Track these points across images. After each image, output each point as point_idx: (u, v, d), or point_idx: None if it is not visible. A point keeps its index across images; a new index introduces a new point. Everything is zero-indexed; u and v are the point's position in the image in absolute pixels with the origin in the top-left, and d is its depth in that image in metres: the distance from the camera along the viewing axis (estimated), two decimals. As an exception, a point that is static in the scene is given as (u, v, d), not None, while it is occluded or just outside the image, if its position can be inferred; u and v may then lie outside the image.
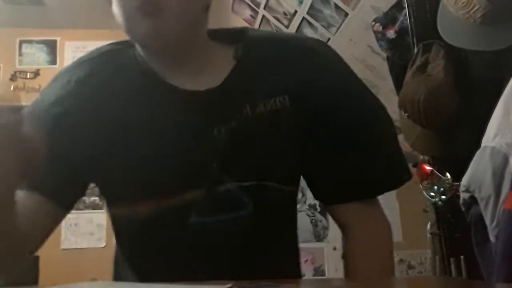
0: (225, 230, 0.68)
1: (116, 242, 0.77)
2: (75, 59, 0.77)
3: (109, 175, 0.70)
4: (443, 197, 1.23)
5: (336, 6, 2.65)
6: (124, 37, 0.72)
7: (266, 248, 0.71)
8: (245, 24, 3.66)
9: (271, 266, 0.71)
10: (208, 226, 0.67)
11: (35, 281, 3.28)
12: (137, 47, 0.72)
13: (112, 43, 0.80)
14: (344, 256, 0.78)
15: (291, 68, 0.71)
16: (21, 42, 3.89)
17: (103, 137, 0.69)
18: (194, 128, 0.68)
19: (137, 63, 0.72)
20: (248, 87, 0.70)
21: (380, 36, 1.98)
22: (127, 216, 0.70)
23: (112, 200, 0.72)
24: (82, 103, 0.70)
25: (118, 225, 0.73)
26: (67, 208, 0.72)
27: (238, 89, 0.70)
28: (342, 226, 0.77)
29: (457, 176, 1.08)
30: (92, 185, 0.75)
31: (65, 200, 0.71)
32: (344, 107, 0.72)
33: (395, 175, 0.74)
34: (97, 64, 0.74)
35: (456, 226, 1.21)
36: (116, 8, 0.66)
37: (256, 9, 3.36)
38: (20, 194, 0.62)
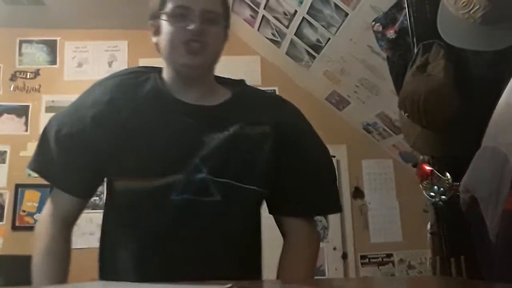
0: (195, 209, 0.89)
1: (109, 214, 0.99)
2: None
3: (124, 161, 0.92)
4: (443, 197, 1.23)
5: (336, 6, 2.65)
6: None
7: (229, 233, 0.93)
8: (245, 24, 3.66)
9: (230, 254, 0.93)
10: (183, 203, 0.89)
11: (35, 281, 3.28)
12: (165, 70, 0.99)
13: (139, 67, 1.07)
14: (280, 258, 0.99)
15: (272, 109, 1.01)
16: (21, 42, 3.89)
17: (125, 135, 0.92)
18: (189, 131, 0.92)
19: (155, 82, 0.97)
20: (240, 113, 0.96)
21: (380, 36, 1.98)
22: (130, 186, 0.91)
23: (121, 175, 0.93)
24: (110, 108, 0.94)
25: (118, 195, 0.94)
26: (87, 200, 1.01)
27: (231, 113, 0.96)
28: (283, 234, 1.01)
29: (457, 176, 1.08)
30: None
31: (88, 194, 1.00)
32: (302, 144, 1.00)
33: (328, 205, 1.03)
34: (126, 79, 0.99)
35: (456, 226, 1.21)
36: (164, 38, 0.93)
37: (256, 9, 3.36)
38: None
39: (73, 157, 0.95)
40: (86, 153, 0.93)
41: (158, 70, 1.02)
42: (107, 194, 0.99)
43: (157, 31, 0.95)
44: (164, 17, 0.92)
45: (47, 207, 0.99)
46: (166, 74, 0.99)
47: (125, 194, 0.93)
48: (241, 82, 1.06)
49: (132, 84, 0.98)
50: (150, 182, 0.90)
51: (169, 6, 0.92)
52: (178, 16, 0.91)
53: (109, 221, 1.00)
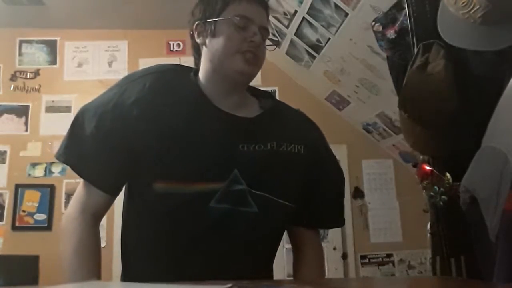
0: (233, 218, 0.92)
1: (135, 215, 0.99)
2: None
3: (165, 164, 0.92)
4: (443, 197, 1.22)
5: (336, 6, 2.65)
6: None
7: (261, 243, 0.99)
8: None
9: (258, 261, 1.01)
10: (221, 211, 0.91)
11: (35, 281, 3.28)
12: (205, 74, 0.99)
13: (172, 64, 1.06)
14: (295, 265, 1.09)
15: (303, 128, 1.08)
16: (21, 42, 3.89)
17: (167, 137, 0.92)
18: (227, 140, 0.94)
19: (196, 86, 0.98)
20: (275, 129, 1.00)
21: (380, 36, 1.98)
22: (170, 189, 0.91)
23: (160, 177, 0.92)
24: (153, 108, 0.93)
25: (155, 197, 0.92)
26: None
27: (266, 127, 0.99)
28: (295, 244, 1.10)
29: (457, 176, 1.08)
30: None
31: (117, 192, 0.99)
32: (326, 164, 1.10)
33: (337, 219, 1.13)
34: (164, 78, 0.99)
35: (456, 226, 1.21)
36: (219, 43, 0.94)
37: (256, 9, 3.36)
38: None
39: (112, 154, 0.93)
40: (127, 152, 0.92)
41: (193, 70, 1.03)
42: (130, 196, 0.99)
43: (207, 33, 0.96)
44: (226, 22, 0.94)
45: (75, 203, 0.96)
46: (206, 78, 0.99)
47: (164, 197, 0.91)
48: (270, 94, 1.12)
49: (172, 84, 0.97)
50: (191, 186, 0.90)
51: (232, 13, 0.94)
52: (241, 26, 0.93)
53: (137, 222, 0.99)
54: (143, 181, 0.93)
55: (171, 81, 0.98)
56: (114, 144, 0.92)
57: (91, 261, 0.92)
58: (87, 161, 0.94)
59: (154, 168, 0.91)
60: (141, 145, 0.91)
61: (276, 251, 1.07)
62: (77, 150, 0.95)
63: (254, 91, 1.09)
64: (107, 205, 0.97)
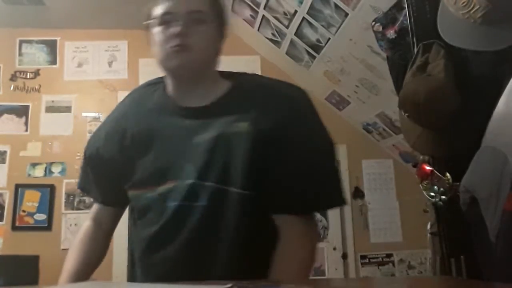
0: (186, 214, 0.92)
1: (131, 217, 1.06)
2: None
3: (132, 173, 0.99)
4: (443, 197, 1.22)
5: (336, 6, 2.65)
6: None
7: (220, 236, 0.91)
8: (245, 24, 3.66)
9: (222, 255, 0.91)
10: (175, 209, 0.92)
11: (35, 280, 3.28)
12: (166, 78, 1.02)
13: (156, 78, 1.09)
14: (273, 257, 0.92)
15: (267, 107, 0.95)
16: (21, 42, 3.89)
17: (132, 148, 0.99)
18: (183, 135, 0.95)
19: (161, 91, 1.03)
20: (230, 112, 0.94)
21: (380, 36, 1.98)
22: (139, 195, 0.99)
23: (132, 186, 1.01)
24: (122, 123, 1.03)
25: (133, 203, 1.03)
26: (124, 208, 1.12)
27: (222, 111, 0.95)
28: (279, 233, 0.95)
29: (457, 176, 1.08)
30: None
31: (119, 202, 1.10)
32: (291, 139, 0.93)
33: (326, 200, 0.96)
34: (143, 92, 1.08)
35: (456, 226, 1.21)
36: (154, 47, 0.96)
37: (256, 9, 3.36)
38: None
39: (97, 173, 1.07)
40: (106, 169, 1.04)
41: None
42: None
43: (148, 39, 0.99)
44: (153, 26, 0.96)
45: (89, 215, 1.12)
46: (166, 80, 1.02)
47: (136, 202, 1.01)
48: (233, 74, 1.04)
49: (146, 95, 1.05)
50: (154, 189, 0.96)
51: (155, 15, 0.96)
52: (164, 23, 0.94)
53: (130, 224, 1.08)
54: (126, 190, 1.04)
55: (145, 92, 1.06)
56: (95, 164, 1.07)
57: (79, 258, 1.04)
58: (87, 182, 1.10)
59: (126, 178, 1.01)
60: (113, 161, 1.02)
61: (258, 244, 0.93)
62: (82, 175, 1.12)
63: (232, 75, 1.04)
64: (113, 215, 1.11)
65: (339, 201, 0.97)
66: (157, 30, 0.95)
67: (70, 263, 1.03)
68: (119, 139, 1.01)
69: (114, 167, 1.02)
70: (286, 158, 0.92)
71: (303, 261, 0.92)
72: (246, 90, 0.99)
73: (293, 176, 0.92)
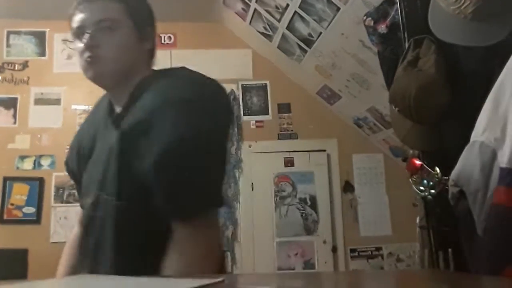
0: (94, 223, 0.95)
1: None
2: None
3: (81, 183, 1.04)
4: (432, 191, 1.24)
5: (328, 1, 2.65)
6: None
7: (123, 249, 0.88)
8: (237, 18, 3.64)
9: (127, 266, 0.84)
10: (90, 218, 0.96)
11: (24, 274, 3.26)
12: None
13: None
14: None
15: (144, 109, 0.89)
16: (8, 33, 3.83)
17: (81, 159, 1.04)
18: (108, 144, 0.93)
19: (106, 100, 1.03)
20: (129, 115, 0.92)
21: (371, 31, 1.99)
22: (83, 205, 1.05)
23: (80, 196, 1.06)
24: (80, 134, 1.10)
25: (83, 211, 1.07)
26: None
27: (126, 114, 0.93)
28: None
29: (447, 170, 1.09)
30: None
31: None
32: (153, 137, 0.85)
33: (199, 203, 0.85)
34: (101, 99, 1.08)
35: (445, 220, 1.22)
36: (77, 60, 0.96)
37: (248, 2, 3.34)
38: None
39: (75, 182, 1.11)
40: (76, 180, 1.09)
41: None
42: None
43: None
44: (72, 43, 0.97)
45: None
46: None
47: (83, 210, 1.07)
48: (167, 70, 1.01)
49: (100, 104, 1.07)
50: (87, 199, 0.99)
51: (72, 28, 0.96)
52: (78, 37, 0.95)
53: None
54: None
55: (102, 99, 1.07)
56: (70, 175, 1.12)
57: (68, 255, 1.09)
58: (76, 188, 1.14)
59: (80, 187, 1.06)
60: (72, 172, 1.09)
61: (156, 250, 0.84)
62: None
63: (155, 75, 0.99)
64: None
65: (212, 204, 0.89)
66: (76, 42, 0.96)
67: (62, 267, 1.09)
68: (77, 151, 1.06)
69: (79, 179, 1.06)
70: (149, 160, 0.83)
71: (185, 267, 0.82)
72: (143, 90, 0.93)
73: (160, 180, 0.83)
